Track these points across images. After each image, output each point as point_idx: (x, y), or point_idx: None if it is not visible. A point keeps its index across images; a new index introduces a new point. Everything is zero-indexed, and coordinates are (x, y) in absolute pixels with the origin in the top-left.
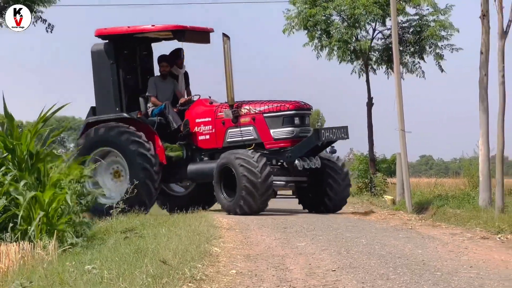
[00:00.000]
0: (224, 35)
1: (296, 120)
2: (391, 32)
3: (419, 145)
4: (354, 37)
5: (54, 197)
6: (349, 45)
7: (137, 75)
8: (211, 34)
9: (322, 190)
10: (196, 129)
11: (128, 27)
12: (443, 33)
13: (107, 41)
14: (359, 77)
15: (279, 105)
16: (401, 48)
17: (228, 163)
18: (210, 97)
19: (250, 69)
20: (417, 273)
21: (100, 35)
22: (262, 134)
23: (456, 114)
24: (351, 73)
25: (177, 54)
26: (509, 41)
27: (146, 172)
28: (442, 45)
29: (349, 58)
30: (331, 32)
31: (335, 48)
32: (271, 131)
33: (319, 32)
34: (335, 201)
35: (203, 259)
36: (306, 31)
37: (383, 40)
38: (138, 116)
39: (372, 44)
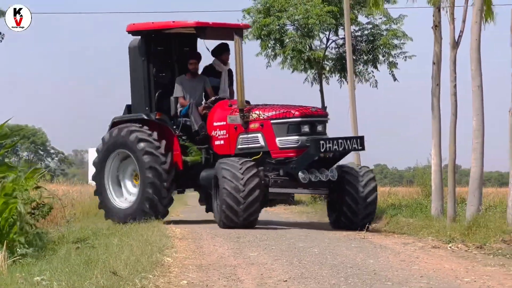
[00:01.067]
0: (236, 33)
1: (304, 128)
2: (344, 41)
3: (374, 154)
4: (308, 47)
5: (6, 207)
6: (303, 55)
7: (174, 72)
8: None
9: (339, 206)
10: (213, 133)
11: (153, 22)
12: (396, 41)
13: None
14: (312, 85)
15: (285, 111)
16: (354, 57)
17: (216, 173)
18: (229, 99)
19: None
20: (368, 283)
21: (130, 30)
22: (269, 142)
23: (410, 123)
24: (304, 82)
25: (222, 49)
26: (461, 52)
27: (154, 188)
28: (395, 54)
29: (303, 67)
30: (285, 42)
31: (289, 57)
32: (277, 139)
33: (273, 41)
34: (354, 218)
35: (155, 270)
36: (259, 41)
37: (336, 49)
38: (157, 117)
39: (326, 53)
